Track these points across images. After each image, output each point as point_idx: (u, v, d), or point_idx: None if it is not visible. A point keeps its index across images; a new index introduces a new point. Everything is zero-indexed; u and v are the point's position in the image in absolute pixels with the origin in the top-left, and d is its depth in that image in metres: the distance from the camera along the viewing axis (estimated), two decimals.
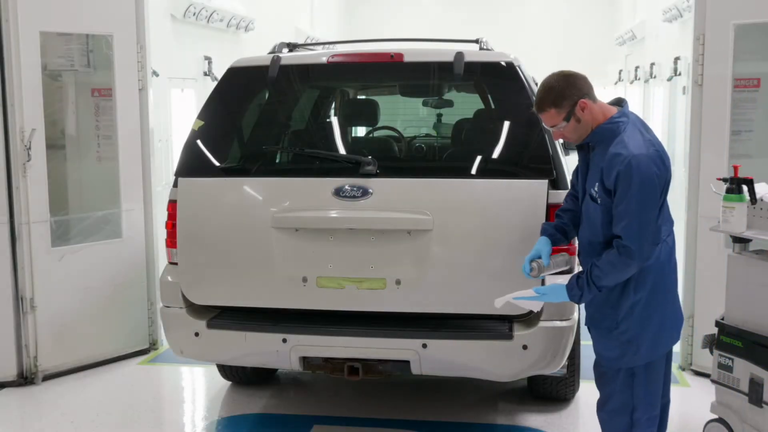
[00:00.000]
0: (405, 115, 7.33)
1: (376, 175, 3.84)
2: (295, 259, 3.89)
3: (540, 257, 3.38)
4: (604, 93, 12.10)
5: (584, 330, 3.52)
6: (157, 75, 6.27)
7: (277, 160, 4.34)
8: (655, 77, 10.86)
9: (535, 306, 3.54)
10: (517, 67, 4.03)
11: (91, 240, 5.45)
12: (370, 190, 3.82)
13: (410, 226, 3.78)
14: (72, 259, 5.31)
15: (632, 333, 3.21)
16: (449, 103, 6.17)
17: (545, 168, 3.78)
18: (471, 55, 4.09)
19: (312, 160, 4.13)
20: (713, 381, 3.95)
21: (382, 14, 16.41)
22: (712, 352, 3.95)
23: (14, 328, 5.16)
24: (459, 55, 4.04)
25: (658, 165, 3.09)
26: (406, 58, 4.13)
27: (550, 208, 3.66)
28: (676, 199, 6.20)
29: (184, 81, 8.04)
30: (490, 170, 3.92)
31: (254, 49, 8.76)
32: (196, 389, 5.32)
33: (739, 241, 3.85)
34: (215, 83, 4.52)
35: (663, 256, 3.23)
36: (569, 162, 3.98)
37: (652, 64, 10.93)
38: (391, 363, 3.90)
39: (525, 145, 3.96)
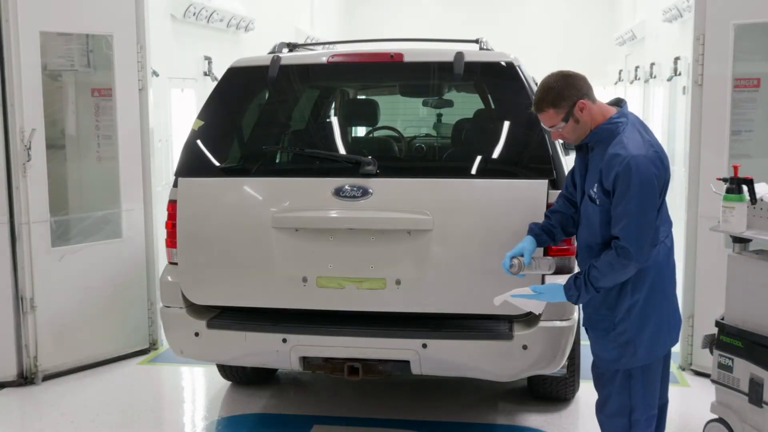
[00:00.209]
0: (405, 115, 7.33)
1: (376, 175, 3.84)
2: (295, 259, 3.89)
3: (522, 255, 3.38)
4: (604, 93, 12.12)
5: (584, 330, 3.52)
6: (157, 75, 6.27)
7: (277, 160, 4.34)
8: (655, 77, 10.86)
9: (536, 308, 3.54)
10: (517, 67, 4.03)
11: (91, 240, 5.45)
12: (370, 190, 3.82)
13: (410, 226, 3.78)
14: (72, 259, 5.31)
15: (630, 334, 3.21)
16: (449, 103, 6.17)
17: (545, 168, 3.78)
18: (471, 55, 4.09)
19: (312, 160, 4.13)
20: (713, 381, 3.95)
21: (382, 14, 16.42)
22: (712, 352, 3.95)
23: (14, 328, 5.16)
24: (459, 55, 4.04)
25: (657, 166, 3.09)
26: (406, 58, 4.13)
27: (550, 208, 3.66)
28: (676, 199, 6.21)
29: (184, 81, 8.04)
30: (490, 170, 3.92)
31: (254, 49, 8.76)
32: (196, 389, 5.33)
33: (739, 241, 3.85)
34: (215, 83, 4.52)
35: (661, 257, 3.23)
36: (569, 162, 3.98)
37: (652, 64, 10.94)
38: (391, 363, 3.89)
39: (525, 145, 3.96)
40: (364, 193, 3.81)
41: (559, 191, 3.67)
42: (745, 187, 3.74)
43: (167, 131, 7.47)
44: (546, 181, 3.75)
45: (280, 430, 4.53)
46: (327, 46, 5.78)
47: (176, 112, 7.76)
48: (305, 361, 3.94)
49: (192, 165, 4.11)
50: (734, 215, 3.76)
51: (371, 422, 4.53)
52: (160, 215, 5.06)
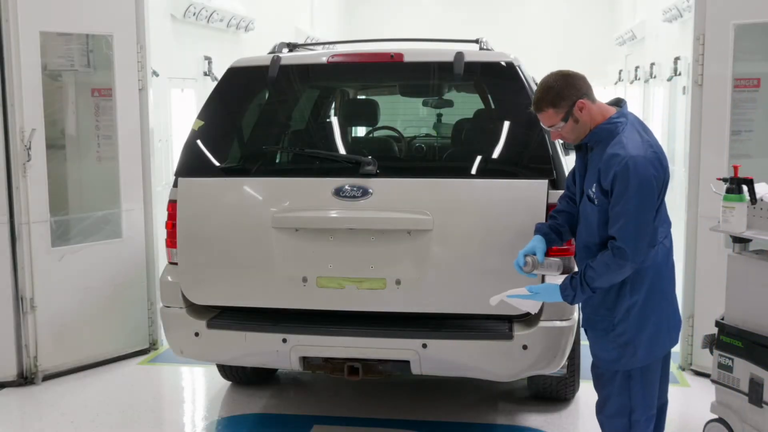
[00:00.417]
0: (405, 115, 7.33)
1: (376, 175, 3.84)
2: (295, 259, 3.89)
3: (535, 253, 3.37)
4: (604, 93, 12.12)
5: (583, 331, 3.51)
6: (157, 75, 6.27)
7: (277, 160, 4.34)
8: (655, 77, 10.86)
9: (531, 307, 3.54)
10: (517, 67, 4.03)
11: (91, 240, 5.45)
12: (370, 190, 3.82)
13: (410, 226, 3.78)
14: (72, 259, 5.31)
15: (629, 335, 3.21)
16: (449, 103, 6.17)
17: (545, 168, 3.78)
18: (471, 55, 4.09)
19: (312, 160, 4.13)
20: (713, 381, 3.95)
21: (382, 14, 16.42)
22: (712, 352, 3.95)
23: (14, 328, 5.16)
24: (459, 55, 4.04)
25: (656, 167, 3.09)
26: (406, 58, 4.13)
27: (550, 208, 3.65)
28: (676, 199, 6.21)
29: (184, 81, 8.04)
30: (490, 170, 3.92)
31: (254, 49, 8.76)
32: (196, 389, 5.33)
33: (739, 241, 3.85)
34: (215, 83, 4.52)
35: (660, 258, 3.22)
36: (569, 162, 3.98)
37: (652, 64, 10.94)
38: (391, 363, 3.90)
39: (525, 145, 3.96)
40: (364, 193, 3.81)
41: (559, 191, 3.67)
42: (745, 187, 3.74)
43: (167, 131, 7.47)
44: (546, 181, 3.75)
45: (280, 430, 4.53)
46: (327, 46, 5.78)
47: (176, 112, 7.76)
48: (305, 361, 3.94)
49: (192, 165, 4.11)
50: (734, 215, 3.76)
51: (371, 422, 4.53)
52: (160, 215, 5.06)
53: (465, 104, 5.27)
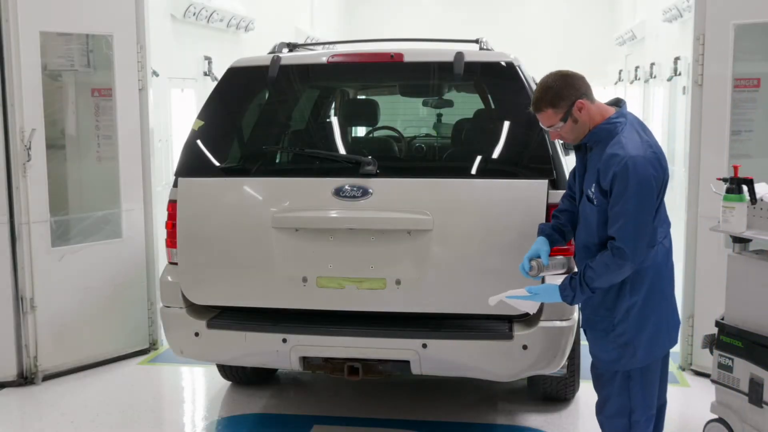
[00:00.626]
0: (405, 115, 7.33)
1: (376, 175, 3.84)
2: (295, 259, 3.89)
3: (539, 256, 3.37)
4: (604, 93, 12.12)
5: (583, 331, 3.51)
6: (157, 75, 6.27)
7: (277, 160, 4.34)
8: (655, 77, 10.86)
9: (530, 308, 3.54)
10: (517, 67, 4.03)
11: (91, 240, 5.45)
12: (370, 190, 3.82)
13: (410, 226, 3.78)
14: (72, 259, 5.31)
15: (629, 336, 3.20)
16: (449, 103, 6.17)
17: (545, 168, 3.78)
18: (471, 55, 4.09)
19: (312, 160, 4.13)
20: (713, 381, 3.95)
21: (382, 14, 16.43)
22: (712, 352, 3.94)
23: (14, 328, 5.16)
24: (459, 55, 4.04)
25: (656, 167, 3.08)
26: (406, 58, 4.13)
27: (550, 208, 3.66)
28: (676, 199, 6.21)
29: (184, 81, 8.04)
30: (490, 170, 3.92)
31: (254, 49, 8.76)
32: (196, 389, 5.33)
33: (739, 241, 3.85)
34: (215, 83, 4.52)
35: (660, 258, 3.22)
36: (569, 162, 3.98)
37: (652, 64, 10.94)
38: (391, 363, 3.90)
39: (525, 145, 3.96)
40: (364, 193, 3.81)
41: (559, 191, 3.67)
42: (745, 187, 3.74)
43: (167, 131, 7.47)
44: (546, 181, 3.75)
45: (280, 430, 4.53)
46: (327, 46, 5.78)
47: (176, 112, 7.75)
48: (305, 361, 3.94)
49: (192, 165, 4.11)
50: (734, 215, 3.76)
51: (371, 422, 4.53)
52: (160, 215, 5.05)
53: (465, 104, 5.27)
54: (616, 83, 14.20)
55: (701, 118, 5.08)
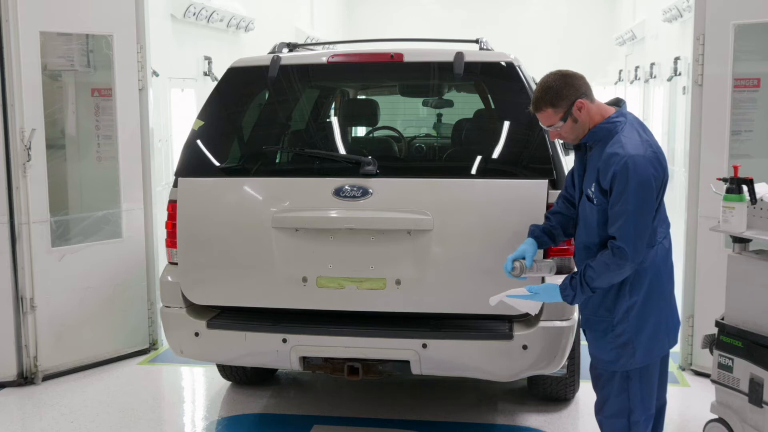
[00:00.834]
0: (405, 115, 7.33)
1: (376, 175, 3.85)
2: (295, 259, 3.89)
3: (524, 257, 3.38)
4: (604, 93, 12.12)
5: (582, 331, 3.51)
6: (157, 75, 6.27)
7: (277, 160, 4.34)
8: (655, 77, 10.86)
9: (531, 308, 3.54)
10: (517, 67, 4.03)
11: (91, 240, 5.45)
12: (370, 190, 3.82)
13: (410, 226, 3.78)
14: (72, 259, 5.31)
15: (628, 336, 3.20)
16: (449, 103, 6.17)
17: (545, 168, 3.78)
18: (471, 55, 4.09)
19: (312, 160, 4.13)
20: (713, 381, 3.95)
21: (382, 14, 16.42)
22: (712, 352, 3.95)
23: (14, 328, 5.16)
24: (459, 55, 4.04)
25: (655, 166, 3.08)
26: (406, 58, 4.13)
27: (550, 208, 3.66)
28: (676, 199, 6.21)
29: (184, 81, 8.04)
30: (490, 170, 3.92)
31: (254, 49, 8.77)
32: (196, 389, 5.33)
33: (739, 241, 3.85)
34: (215, 83, 4.52)
35: (659, 258, 3.22)
36: (569, 162, 3.98)
37: (652, 64, 10.93)
38: (391, 363, 3.90)
39: (525, 145, 3.96)
40: (364, 193, 3.81)
41: (559, 191, 3.67)
42: (745, 187, 3.74)
43: (167, 131, 7.47)
44: (546, 181, 3.75)
45: (280, 430, 4.53)
46: (327, 46, 5.78)
47: (176, 112, 7.75)
48: (305, 361, 3.94)
49: (192, 165, 4.11)
50: (734, 215, 3.76)
51: (371, 422, 4.53)
52: (160, 215, 5.06)
53: (465, 104, 5.27)
54: (616, 83, 14.19)
55: (701, 118, 5.08)
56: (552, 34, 15.83)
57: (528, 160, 3.91)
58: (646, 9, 11.87)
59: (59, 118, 5.58)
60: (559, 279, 3.31)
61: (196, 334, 3.99)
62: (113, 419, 4.67)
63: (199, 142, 4.15)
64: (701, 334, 4.29)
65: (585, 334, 3.40)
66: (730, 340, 3.83)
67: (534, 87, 3.67)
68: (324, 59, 4.28)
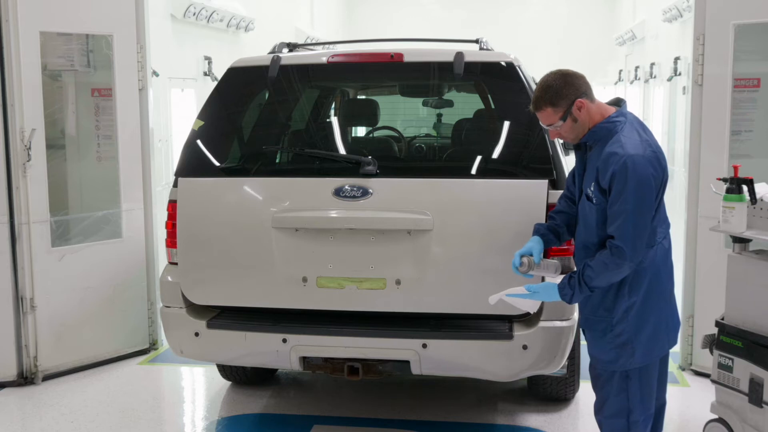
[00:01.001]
0: (405, 115, 7.33)
1: (376, 175, 3.85)
2: (295, 259, 3.89)
3: (531, 254, 3.37)
4: (604, 93, 12.11)
5: (582, 331, 3.51)
6: (157, 75, 6.27)
7: (277, 160, 4.34)
8: (655, 77, 10.86)
9: (530, 307, 3.54)
10: (517, 67, 4.03)
11: (91, 240, 5.45)
12: (370, 190, 3.82)
13: (410, 226, 3.78)
14: (72, 259, 5.32)
15: (627, 336, 3.20)
16: (449, 103, 6.17)
17: (545, 168, 3.78)
18: (471, 55, 4.09)
19: (312, 160, 4.13)
20: (713, 381, 3.95)
21: (382, 14, 16.42)
22: (712, 352, 3.95)
23: (14, 328, 5.16)
24: (459, 55, 4.04)
25: (655, 166, 3.08)
26: (406, 58, 4.13)
27: (550, 208, 3.66)
28: (676, 199, 6.21)
29: (184, 81, 8.04)
30: (490, 170, 3.92)
31: (254, 49, 8.77)
32: (196, 389, 5.33)
33: (739, 241, 3.85)
34: (215, 83, 4.52)
35: (659, 258, 3.22)
36: (569, 162, 3.98)
37: (652, 64, 10.93)
38: (391, 363, 3.90)
39: (525, 145, 3.96)
40: (364, 193, 3.81)
41: (559, 191, 3.67)
42: (745, 187, 3.74)
43: (167, 131, 7.47)
44: (546, 181, 3.75)
45: (280, 430, 4.53)
46: (327, 46, 5.77)
47: (176, 112, 7.75)
48: (305, 361, 3.94)
49: (192, 165, 4.11)
50: (734, 215, 3.76)
51: (371, 422, 4.53)
52: (160, 215, 5.05)
53: (465, 104, 5.27)
54: (616, 83, 14.20)
55: (701, 118, 5.08)
56: (552, 34, 15.83)
57: (528, 160, 3.91)
58: (646, 9, 11.87)
59: (59, 118, 5.58)
60: (559, 278, 3.31)
61: (196, 334, 4.00)
62: (113, 419, 4.67)
63: (199, 142, 4.15)
64: (701, 334, 4.29)
65: (584, 333, 3.40)
66: (730, 340, 3.83)
67: (534, 87, 3.68)
68: (324, 59, 4.28)
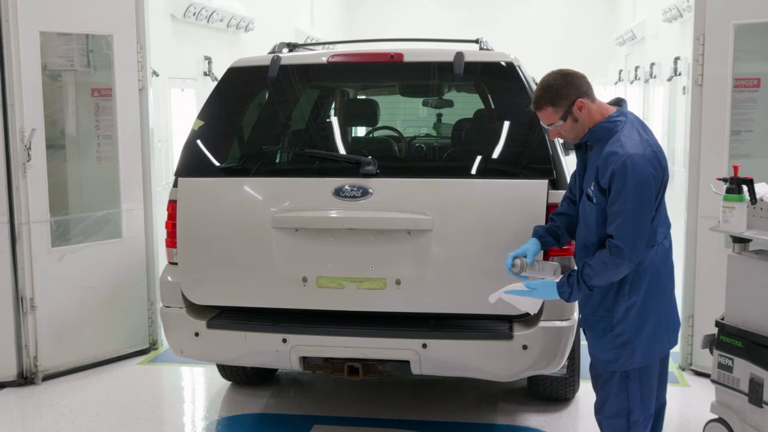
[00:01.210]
0: (405, 115, 7.33)
1: (376, 175, 3.85)
2: (295, 259, 3.89)
3: (525, 255, 3.37)
4: (604, 93, 12.11)
5: (582, 331, 3.51)
6: (157, 75, 6.27)
7: (277, 160, 4.34)
8: (655, 77, 10.86)
9: (531, 307, 3.54)
10: (517, 67, 4.03)
11: (91, 240, 5.45)
12: (370, 190, 3.82)
13: (410, 226, 3.78)
14: (72, 259, 5.32)
15: (627, 336, 3.20)
16: (449, 103, 6.17)
17: (545, 168, 3.78)
18: (471, 55, 4.09)
19: (312, 160, 4.13)
20: (713, 381, 3.95)
21: (382, 14, 16.42)
22: (712, 352, 3.95)
23: (14, 328, 5.16)
24: (459, 55, 4.04)
25: (655, 166, 3.08)
26: (406, 58, 4.13)
27: (550, 208, 3.66)
28: (676, 199, 6.21)
29: (184, 81, 8.04)
30: (490, 170, 3.92)
31: (254, 49, 8.77)
32: (196, 389, 5.33)
33: (739, 241, 3.85)
34: (215, 83, 4.52)
35: (659, 258, 3.22)
36: (569, 162, 3.98)
37: (652, 64, 10.93)
38: (391, 363, 3.90)
39: (525, 145, 3.96)
40: (364, 193, 3.81)
41: (559, 191, 3.67)
42: (745, 187, 3.74)
43: (167, 131, 7.47)
44: (546, 181, 3.75)
45: (280, 430, 4.53)
46: (327, 46, 5.77)
47: (176, 112, 7.75)
48: (305, 361, 3.94)
49: (192, 165, 4.11)
50: (734, 215, 3.76)
51: (371, 422, 4.53)
52: (160, 215, 5.05)
53: (465, 104, 5.27)
54: (616, 83, 14.20)
55: (701, 118, 5.08)
56: (552, 34, 15.83)
57: (528, 160, 3.91)
58: (646, 9, 11.87)
59: (59, 118, 5.58)
60: (558, 277, 3.31)
61: (196, 334, 4.00)
62: (113, 419, 4.67)
63: (199, 142, 4.15)
64: (701, 334, 4.29)
65: (584, 333, 3.40)
66: (730, 340, 3.83)
67: (534, 87, 3.68)
68: (324, 59, 4.28)
